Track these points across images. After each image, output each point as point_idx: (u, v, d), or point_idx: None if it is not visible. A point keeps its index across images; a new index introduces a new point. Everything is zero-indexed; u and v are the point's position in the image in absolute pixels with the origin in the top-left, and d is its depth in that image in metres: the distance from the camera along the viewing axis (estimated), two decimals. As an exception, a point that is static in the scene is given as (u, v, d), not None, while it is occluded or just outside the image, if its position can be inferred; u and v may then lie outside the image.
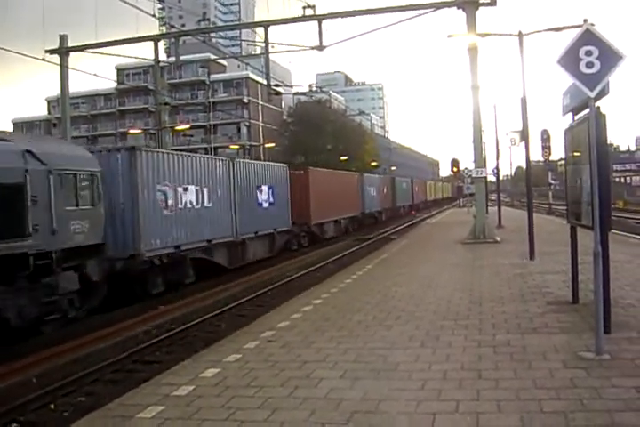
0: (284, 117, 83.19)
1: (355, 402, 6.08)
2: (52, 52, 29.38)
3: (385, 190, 55.68)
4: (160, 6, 76.29)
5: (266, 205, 26.46)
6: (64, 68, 29.83)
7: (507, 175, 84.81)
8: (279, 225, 27.76)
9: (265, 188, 26.53)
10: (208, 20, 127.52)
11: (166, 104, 37.00)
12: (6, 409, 8.88)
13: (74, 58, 30.23)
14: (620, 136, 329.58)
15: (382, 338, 8.72)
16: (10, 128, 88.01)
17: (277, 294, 18.35)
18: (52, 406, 9.36)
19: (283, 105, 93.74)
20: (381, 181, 56.12)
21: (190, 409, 6.15)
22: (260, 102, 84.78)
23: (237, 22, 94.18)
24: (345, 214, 40.92)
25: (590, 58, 7.19)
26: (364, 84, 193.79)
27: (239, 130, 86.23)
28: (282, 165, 30.63)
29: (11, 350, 12.01)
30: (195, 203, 20.13)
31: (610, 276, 7.99)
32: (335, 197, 37.05)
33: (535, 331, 8.64)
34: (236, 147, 77.32)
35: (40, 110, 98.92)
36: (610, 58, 7.17)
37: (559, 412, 5.50)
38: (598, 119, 7.56)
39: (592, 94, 7.24)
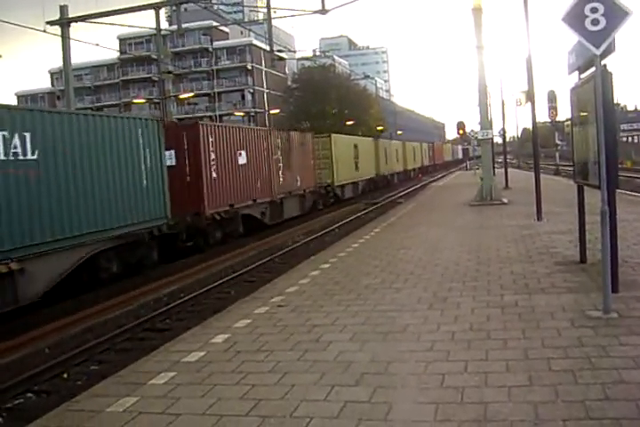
0: (289, 83, 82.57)
1: (364, 364, 6.12)
2: (52, 23, 29.05)
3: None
4: (159, -27, 75.61)
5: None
6: (66, 39, 29.55)
7: (513, 137, 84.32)
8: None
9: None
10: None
11: (169, 73, 36.83)
12: (21, 379, 9.00)
13: (75, 28, 29.91)
14: (628, 95, 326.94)
15: (391, 301, 8.76)
16: (14, 101, 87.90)
17: (286, 259, 18.44)
18: (65, 375, 9.49)
19: (287, 71, 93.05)
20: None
21: (201, 375, 6.20)
22: (264, 69, 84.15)
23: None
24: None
25: (596, 15, 7.05)
26: (367, 48, 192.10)
27: (243, 97, 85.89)
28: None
29: (23, 322, 12.14)
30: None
31: (617, 235, 7.98)
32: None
33: (543, 291, 8.66)
34: (241, 114, 76.98)
35: (43, 83, 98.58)
36: (616, 14, 7.03)
37: (567, 370, 5.53)
38: (604, 78, 7.45)
39: (598, 52, 7.12)
